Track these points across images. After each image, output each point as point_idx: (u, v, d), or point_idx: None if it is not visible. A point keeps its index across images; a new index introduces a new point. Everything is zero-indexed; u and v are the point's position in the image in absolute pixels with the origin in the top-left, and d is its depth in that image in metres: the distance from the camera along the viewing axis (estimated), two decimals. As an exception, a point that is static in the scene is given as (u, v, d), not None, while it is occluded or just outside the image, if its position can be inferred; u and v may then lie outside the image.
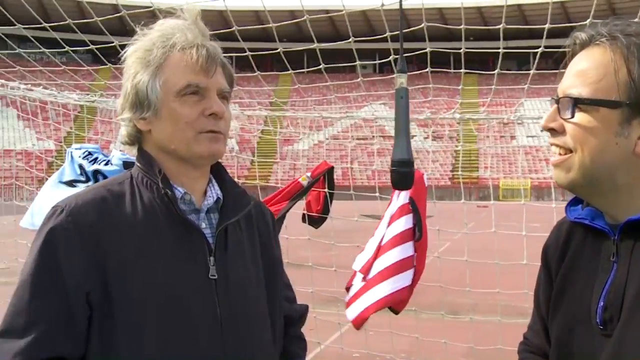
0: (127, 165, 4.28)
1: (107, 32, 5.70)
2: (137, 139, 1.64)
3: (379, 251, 4.36)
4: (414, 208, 4.39)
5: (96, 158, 4.42)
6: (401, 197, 4.47)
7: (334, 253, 6.12)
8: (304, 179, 5.26)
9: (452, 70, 5.90)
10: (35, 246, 1.50)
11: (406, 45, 1.80)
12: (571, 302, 1.50)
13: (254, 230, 1.73)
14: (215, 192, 1.67)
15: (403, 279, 4.28)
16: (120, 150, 4.63)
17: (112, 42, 5.06)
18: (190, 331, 1.50)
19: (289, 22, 5.67)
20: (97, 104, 6.72)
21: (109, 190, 1.58)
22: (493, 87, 5.10)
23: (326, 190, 5.43)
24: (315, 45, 5.48)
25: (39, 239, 1.50)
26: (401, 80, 1.71)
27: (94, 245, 1.48)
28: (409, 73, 1.75)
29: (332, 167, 5.38)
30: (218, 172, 1.71)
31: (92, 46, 5.79)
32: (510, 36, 5.37)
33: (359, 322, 4.34)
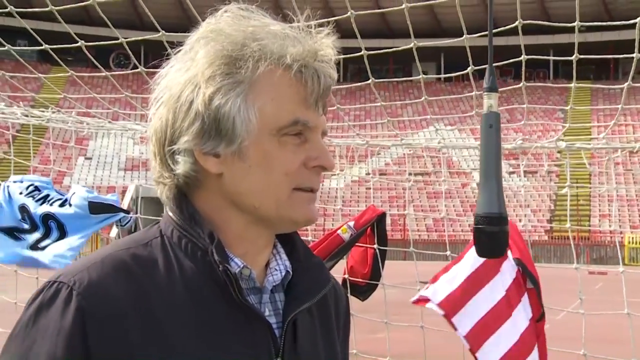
0: (94, 208, 3.55)
1: (61, 19, 4.26)
2: (191, 182, 1.19)
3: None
4: (528, 275, 3.42)
5: (46, 196, 3.51)
6: (506, 270, 3.41)
7: (381, 336, 5.08)
8: (344, 230, 4.36)
9: (550, 83, 4.41)
10: (23, 347, 1.09)
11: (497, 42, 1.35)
12: None
13: (330, 318, 1.33)
14: (282, 263, 1.28)
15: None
16: (85, 187, 3.64)
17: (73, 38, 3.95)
18: None
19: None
20: (49, 123, 5.18)
21: (132, 255, 1.16)
22: (621, 105, 3.62)
23: (375, 246, 4.49)
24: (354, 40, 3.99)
25: (26, 336, 1.09)
26: (490, 101, 1.28)
27: (117, 347, 1.07)
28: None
29: (384, 214, 4.49)
30: (288, 234, 1.30)
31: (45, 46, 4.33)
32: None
33: None
